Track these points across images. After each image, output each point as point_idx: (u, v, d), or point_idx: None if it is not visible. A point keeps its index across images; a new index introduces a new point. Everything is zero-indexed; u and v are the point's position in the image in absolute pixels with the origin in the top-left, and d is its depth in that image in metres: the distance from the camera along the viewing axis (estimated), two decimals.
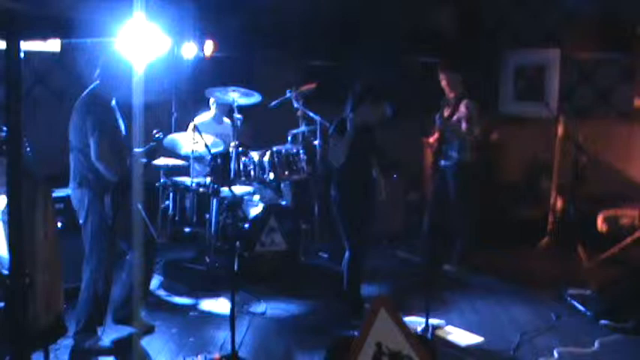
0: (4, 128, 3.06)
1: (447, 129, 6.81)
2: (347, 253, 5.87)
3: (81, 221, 4.93)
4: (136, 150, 5.09)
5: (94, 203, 4.85)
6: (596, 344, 5.31)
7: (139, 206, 4.91)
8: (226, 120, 7.62)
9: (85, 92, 4.95)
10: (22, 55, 2.34)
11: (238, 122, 6.93)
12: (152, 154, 5.32)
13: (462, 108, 6.97)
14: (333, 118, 6.07)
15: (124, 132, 5.02)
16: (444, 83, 7.21)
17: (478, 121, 7.07)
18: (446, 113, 6.91)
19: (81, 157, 4.84)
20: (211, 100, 7.53)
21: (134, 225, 4.91)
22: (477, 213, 7.54)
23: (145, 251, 5.06)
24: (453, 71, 7.17)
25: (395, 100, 5.97)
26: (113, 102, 4.94)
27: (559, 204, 8.04)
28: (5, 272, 3.35)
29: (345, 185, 5.80)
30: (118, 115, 4.98)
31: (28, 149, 5.54)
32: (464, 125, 7.03)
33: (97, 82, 4.94)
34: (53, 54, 7.70)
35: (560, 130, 8.00)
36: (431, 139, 7.35)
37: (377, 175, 6.02)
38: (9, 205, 2.46)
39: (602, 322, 5.72)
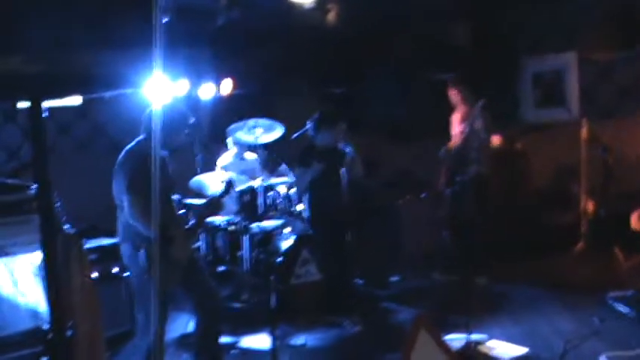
0: (33, 186, 3.12)
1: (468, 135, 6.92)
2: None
3: (128, 274, 4.96)
4: (195, 202, 5.11)
5: (133, 257, 4.89)
6: None
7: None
8: (248, 156, 7.67)
9: (125, 149, 4.93)
10: (45, 113, 2.39)
11: (263, 157, 7.01)
12: (216, 204, 5.38)
13: (478, 119, 7.02)
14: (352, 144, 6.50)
15: (171, 183, 5.03)
16: (456, 98, 7.28)
17: (490, 131, 7.14)
18: (458, 129, 7.00)
19: (120, 212, 4.89)
20: (229, 139, 7.59)
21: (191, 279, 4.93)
22: (497, 224, 7.51)
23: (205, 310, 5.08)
24: (464, 85, 7.25)
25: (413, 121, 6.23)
26: (165, 153, 4.94)
27: (590, 207, 7.95)
28: (46, 327, 3.40)
29: (315, 206, 6.63)
30: (167, 167, 5.00)
31: (59, 203, 5.63)
32: (483, 133, 7.07)
33: (142, 136, 4.92)
34: (75, 107, 7.83)
35: (584, 132, 7.94)
36: (453, 144, 7.39)
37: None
38: (44, 259, 2.50)
39: None
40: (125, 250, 4.90)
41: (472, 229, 7.22)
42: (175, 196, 5.23)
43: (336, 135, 6.80)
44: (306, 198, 6.73)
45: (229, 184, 5.46)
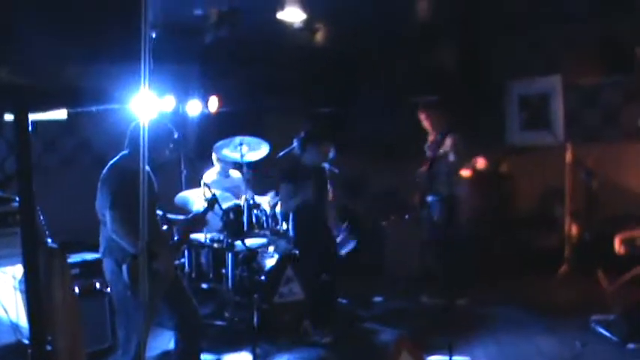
0: (17, 198, 3.11)
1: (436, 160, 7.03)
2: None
3: (109, 290, 4.92)
4: (179, 217, 5.10)
5: (116, 273, 4.85)
6: None
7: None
8: (232, 173, 7.68)
9: (109, 164, 4.91)
10: (30, 127, 2.38)
11: (247, 175, 7.01)
12: (199, 220, 5.36)
13: (448, 142, 7.11)
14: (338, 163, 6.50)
15: (156, 198, 5.01)
16: (425, 123, 7.39)
17: (465, 154, 7.19)
18: (429, 152, 7.13)
19: (103, 227, 4.86)
20: (214, 156, 7.58)
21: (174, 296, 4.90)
22: (481, 245, 7.55)
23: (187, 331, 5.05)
24: (433, 110, 7.36)
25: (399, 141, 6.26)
26: (147, 168, 4.93)
27: (574, 230, 8.00)
28: (26, 341, 3.37)
29: (300, 225, 6.61)
30: (154, 182, 4.98)
31: (41, 217, 5.59)
32: (452, 157, 7.15)
33: (126, 151, 4.93)
34: (60, 121, 7.81)
35: (568, 156, 8.00)
36: (423, 168, 7.48)
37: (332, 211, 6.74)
38: (26, 273, 2.48)
39: (629, 345, 5.65)
40: (107, 265, 4.86)
41: (448, 251, 7.27)
42: (159, 212, 5.20)
43: (323, 153, 6.79)
44: (291, 217, 6.72)
45: (213, 201, 5.45)
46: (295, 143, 6.73)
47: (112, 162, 4.88)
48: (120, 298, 4.82)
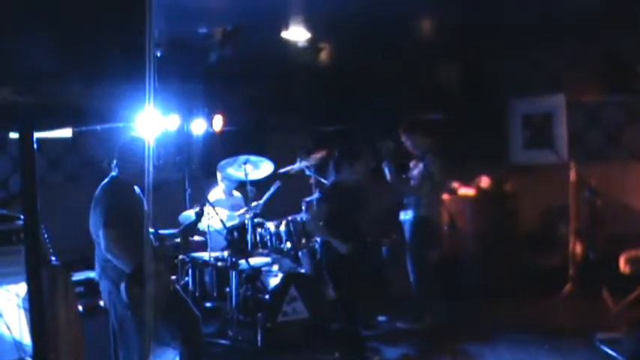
0: (21, 216, 3.12)
1: (398, 185, 7.26)
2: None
3: (111, 312, 4.92)
4: (167, 232, 5.12)
5: (113, 293, 4.84)
6: None
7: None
8: (236, 193, 7.71)
9: (100, 185, 4.92)
10: (35, 145, 2.39)
11: (251, 194, 7.01)
12: (190, 231, 5.37)
13: (421, 165, 7.16)
14: None
15: (148, 216, 5.02)
16: (407, 145, 7.42)
17: (439, 177, 7.22)
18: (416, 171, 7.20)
19: (97, 249, 4.86)
20: (219, 175, 7.60)
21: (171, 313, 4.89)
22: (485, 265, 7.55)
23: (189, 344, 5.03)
24: (413, 132, 7.39)
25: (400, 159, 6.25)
26: (136, 188, 4.96)
27: (578, 249, 7.98)
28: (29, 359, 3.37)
29: (329, 246, 6.30)
30: (143, 200, 5.00)
31: (46, 235, 5.61)
32: (414, 182, 7.23)
33: (114, 172, 4.95)
34: (66, 139, 7.84)
35: (572, 175, 8.00)
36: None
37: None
38: (30, 291, 2.48)
39: None
40: (104, 287, 4.86)
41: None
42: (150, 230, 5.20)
43: (359, 171, 6.54)
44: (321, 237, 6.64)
45: (201, 212, 5.48)
46: (330, 164, 6.66)
47: (102, 184, 4.90)
48: (119, 318, 4.81)
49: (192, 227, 5.44)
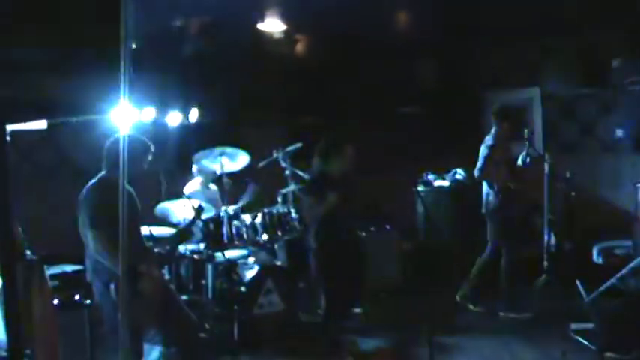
0: None
1: None
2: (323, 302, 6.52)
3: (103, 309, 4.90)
4: (164, 234, 5.09)
5: (104, 293, 4.81)
6: None
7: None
8: (212, 186, 7.68)
9: (87, 186, 4.90)
10: (8, 138, 2.37)
11: (227, 186, 6.98)
12: (186, 235, 5.34)
13: None
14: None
15: (138, 216, 4.99)
16: None
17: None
18: None
19: (87, 249, 4.83)
20: (194, 168, 7.57)
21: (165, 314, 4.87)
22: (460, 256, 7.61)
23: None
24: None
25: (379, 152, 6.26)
26: (128, 186, 4.91)
27: (552, 241, 8.04)
28: (4, 354, 3.34)
29: (322, 236, 6.48)
30: (136, 199, 4.96)
31: (20, 229, 5.54)
32: None
33: (104, 172, 4.92)
34: (40, 131, 7.75)
35: (546, 167, 8.06)
36: None
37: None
38: (4, 286, 2.46)
39: (607, 354, 5.69)
40: (96, 287, 4.85)
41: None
42: (145, 230, 5.19)
43: (347, 158, 6.74)
44: (313, 229, 6.70)
45: (199, 210, 5.45)
46: (317, 156, 6.71)
47: (90, 184, 4.87)
48: (110, 318, 4.78)
49: (189, 229, 5.41)
